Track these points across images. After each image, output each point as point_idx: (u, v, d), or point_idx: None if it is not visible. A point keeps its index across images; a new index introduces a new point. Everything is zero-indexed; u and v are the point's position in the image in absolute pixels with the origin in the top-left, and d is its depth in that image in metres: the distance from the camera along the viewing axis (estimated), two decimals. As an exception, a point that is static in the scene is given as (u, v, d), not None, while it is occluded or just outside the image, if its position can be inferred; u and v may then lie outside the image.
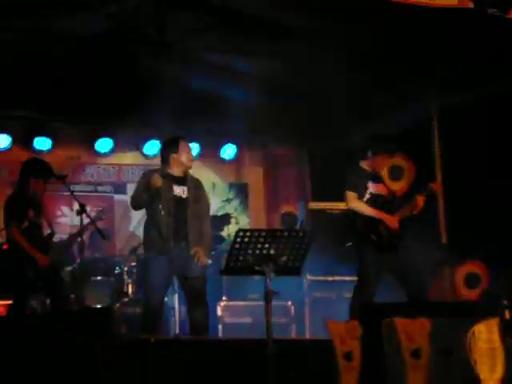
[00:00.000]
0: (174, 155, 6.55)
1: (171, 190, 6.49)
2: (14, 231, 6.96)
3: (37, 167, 7.26)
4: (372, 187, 6.77)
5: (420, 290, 6.55)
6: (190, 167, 6.66)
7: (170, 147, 6.62)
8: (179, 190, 6.53)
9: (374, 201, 6.73)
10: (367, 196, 6.74)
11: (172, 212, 6.41)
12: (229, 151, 10.59)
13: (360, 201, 6.69)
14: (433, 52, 7.52)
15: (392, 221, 6.63)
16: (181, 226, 6.45)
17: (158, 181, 6.32)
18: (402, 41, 7.35)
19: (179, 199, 6.50)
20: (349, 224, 6.77)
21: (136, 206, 6.55)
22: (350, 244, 7.12)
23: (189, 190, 6.56)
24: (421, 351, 5.17)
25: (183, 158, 6.58)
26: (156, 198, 6.39)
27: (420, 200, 6.68)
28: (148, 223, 6.55)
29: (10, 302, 7.28)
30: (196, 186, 6.67)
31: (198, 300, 6.43)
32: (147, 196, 6.39)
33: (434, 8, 5.84)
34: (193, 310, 6.43)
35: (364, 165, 6.85)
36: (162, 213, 6.35)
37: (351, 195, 6.70)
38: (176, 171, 6.57)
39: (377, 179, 6.83)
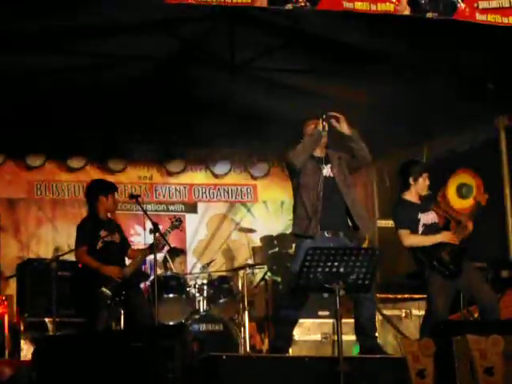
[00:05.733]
0: None
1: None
2: (81, 254, 7.07)
3: (102, 185, 7.41)
4: (423, 218, 6.59)
5: (491, 309, 6.47)
6: None
7: None
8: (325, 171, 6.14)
9: (430, 231, 6.61)
10: (421, 229, 6.55)
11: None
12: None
13: (413, 235, 6.52)
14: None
15: (451, 237, 6.50)
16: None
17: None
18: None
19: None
20: (412, 256, 6.65)
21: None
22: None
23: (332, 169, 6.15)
24: (494, 369, 5.13)
25: None
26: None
27: (469, 223, 6.56)
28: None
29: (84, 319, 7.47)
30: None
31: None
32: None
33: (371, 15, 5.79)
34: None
35: (407, 196, 6.66)
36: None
37: (404, 233, 6.50)
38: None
39: (425, 209, 6.64)
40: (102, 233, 7.15)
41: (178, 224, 7.60)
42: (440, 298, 6.45)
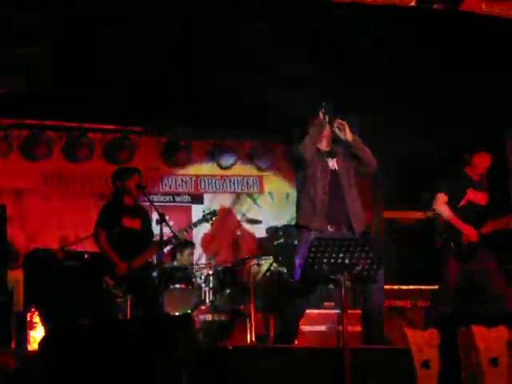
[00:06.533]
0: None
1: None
2: (99, 237, 7.25)
3: (121, 171, 7.61)
4: (471, 195, 6.69)
5: (498, 299, 6.49)
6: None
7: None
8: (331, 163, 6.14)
9: (470, 209, 6.65)
10: (463, 203, 6.68)
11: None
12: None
13: (446, 206, 6.64)
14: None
15: (471, 234, 6.53)
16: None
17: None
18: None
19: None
20: (433, 229, 6.73)
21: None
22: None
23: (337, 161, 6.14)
24: (499, 360, 5.14)
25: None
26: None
27: None
28: None
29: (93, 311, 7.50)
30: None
31: None
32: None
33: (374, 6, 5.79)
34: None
35: (468, 170, 6.80)
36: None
37: (441, 197, 6.69)
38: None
39: (478, 187, 6.76)
40: (123, 218, 7.24)
41: (209, 217, 7.64)
42: (451, 278, 6.52)
